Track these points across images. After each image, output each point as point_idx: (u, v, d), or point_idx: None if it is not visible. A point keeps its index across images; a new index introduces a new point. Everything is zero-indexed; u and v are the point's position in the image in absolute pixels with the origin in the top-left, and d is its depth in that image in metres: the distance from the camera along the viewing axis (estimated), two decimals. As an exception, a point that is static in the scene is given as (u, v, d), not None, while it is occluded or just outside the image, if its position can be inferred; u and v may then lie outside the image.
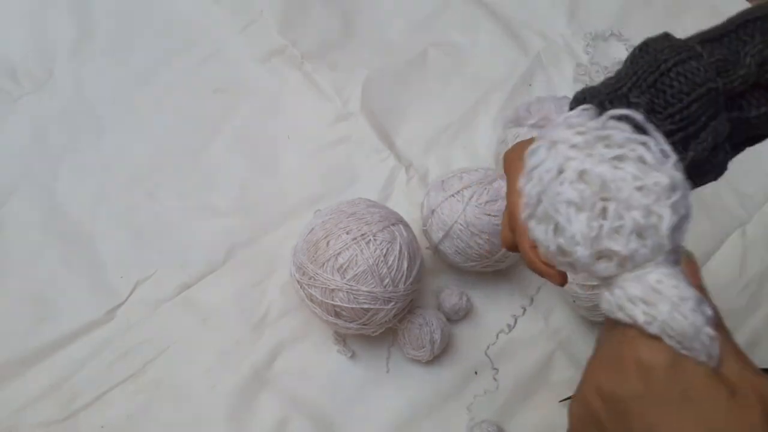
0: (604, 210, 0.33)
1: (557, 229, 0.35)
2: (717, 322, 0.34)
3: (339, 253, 0.66)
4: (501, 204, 0.70)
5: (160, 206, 0.81)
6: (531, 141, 0.41)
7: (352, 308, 0.66)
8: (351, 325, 0.67)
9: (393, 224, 0.68)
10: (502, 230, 0.47)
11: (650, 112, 0.41)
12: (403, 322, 0.71)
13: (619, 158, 0.34)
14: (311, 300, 0.68)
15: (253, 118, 0.87)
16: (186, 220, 0.80)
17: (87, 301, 0.75)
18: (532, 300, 0.69)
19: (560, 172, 0.35)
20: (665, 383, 0.32)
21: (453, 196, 0.71)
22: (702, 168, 0.43)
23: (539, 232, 0.36)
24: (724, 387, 0.32)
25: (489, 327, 0.75)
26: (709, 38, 0.43)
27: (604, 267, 0.34)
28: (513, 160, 0.45)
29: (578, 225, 0.34)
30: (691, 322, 0.32)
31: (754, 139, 0.45)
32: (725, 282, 0.78)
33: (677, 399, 0.32)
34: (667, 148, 0.35)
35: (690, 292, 0.33)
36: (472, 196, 0.70)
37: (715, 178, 0.45)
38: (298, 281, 0.68)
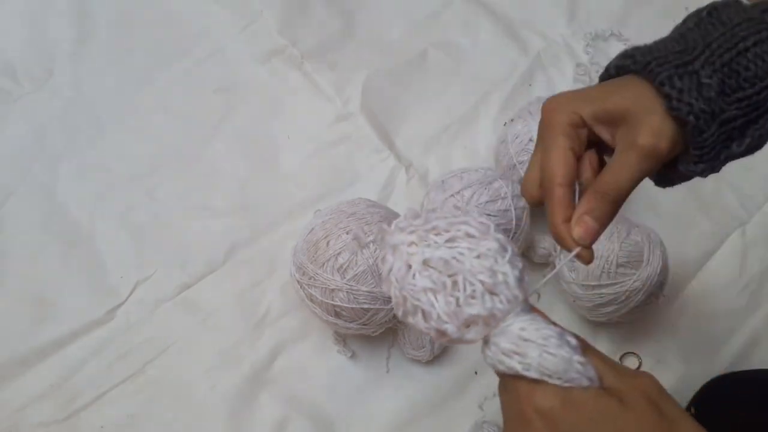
0: (454, 284, 0.37)
1: (425, 316, 0.38)
2: (584, 346, 0.37)
3: (339, 253, 0.66)
4: (501, 204, 0.70)
5: (160, 206, 0.81)
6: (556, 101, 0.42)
7: (352, 308, 0.66)
8: (351, 325, 0.67)
9: (393, 224, 0.68)
10: (526, 183, 0.44)
11: (719, 94, 0.39)
12: (403, 322, 0.71)
13: (450, 240, 0.38)
14: (311, 300, 0.68)
15: (253, 118, 0.87)
16: (186, 220, 0.80)
17: (87, 301, 0.75)
18: (539, 296, 0.69)
19: (408, 267, 0.38)
20: (568, 418, 0.35)
21: (453, 196, 0.71)
22: (750, 152, 0.42)
23: (417, 323, 0.39)
24: (614, 399, 0.35)
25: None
26: None
27: (474, 332, 0.38)
28: (551, 112, 0.43)
29: (439, 305, 0.37)
30: (561, 357, 0.36)
31: None
32: (725, 282, 0.78)
33: (583, 427, 0.35)
34: (484, 219, 0.39)
35: (551, 330, 0.37)
36: (472, 196, 0.70)
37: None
38: (298, 281, 0.68)
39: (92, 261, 0.77)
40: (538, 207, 0.44)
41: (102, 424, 0.70)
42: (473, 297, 0.37)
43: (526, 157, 0.74)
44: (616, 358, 0.73)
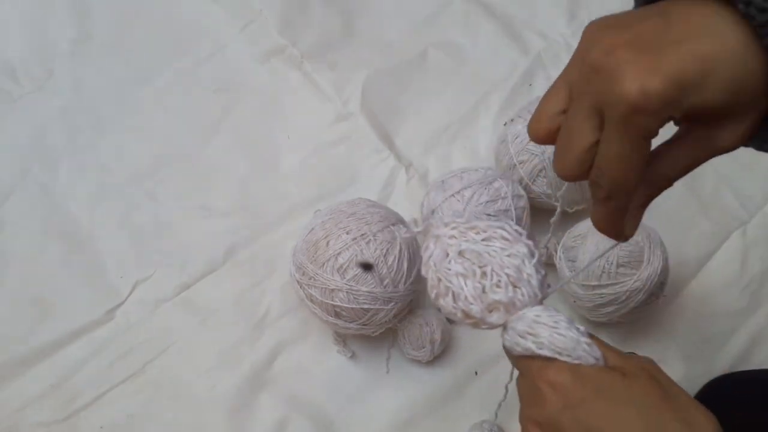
0: (483, 273, 0.43)
1: (455, 297, 0.43)
2: (589, 334, 0.42)
3: (339, 253, 0.65)
4: (501, 204, 0.70)
5: (160, 206, 0.81)
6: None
7: (352, 308, 0.66)
8: (351, 325, 0.67)
9: (393, 224, 0.68)
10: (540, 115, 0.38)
11: None
12: (403, 323, 0.71)
13: (486, 239, 0.44)
14: (311, 300, 0.68)
15: (253, 118, 0.87)
16: (186, 220, 0.80)
17: (87, 301, 0.75)
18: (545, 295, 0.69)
19: (446, 254, 0.44)
20: (577, 390, 0.39)
21: (453, 196, 0.71)
22: None
23: (446, 304, 0.44)
24: (617, 373, 0.40)
25: (489, 327, 0.75)
26: None
27: (496, 317, 0.43)
28: (595, 31, 0.36)
29: (468, 288, 0.43)
30: (569, 336, 0.41)
31: None
32: (726, 282, 0.78)
33: (591, 397, 0.39)
34: (519, 228, 0.44)
35: (561, 317, 0.42)
36: (472, 196, 0.70)
37: None
38: (297, 281, 0.68)
39: (92, 261, 0.77)
40: (545, 143, 0.39)
41: (102, 424, 0.70)
42: (498, 286, 0.42)
43: (527, 157, 0.74)
44: (617, 358, 0.73)
